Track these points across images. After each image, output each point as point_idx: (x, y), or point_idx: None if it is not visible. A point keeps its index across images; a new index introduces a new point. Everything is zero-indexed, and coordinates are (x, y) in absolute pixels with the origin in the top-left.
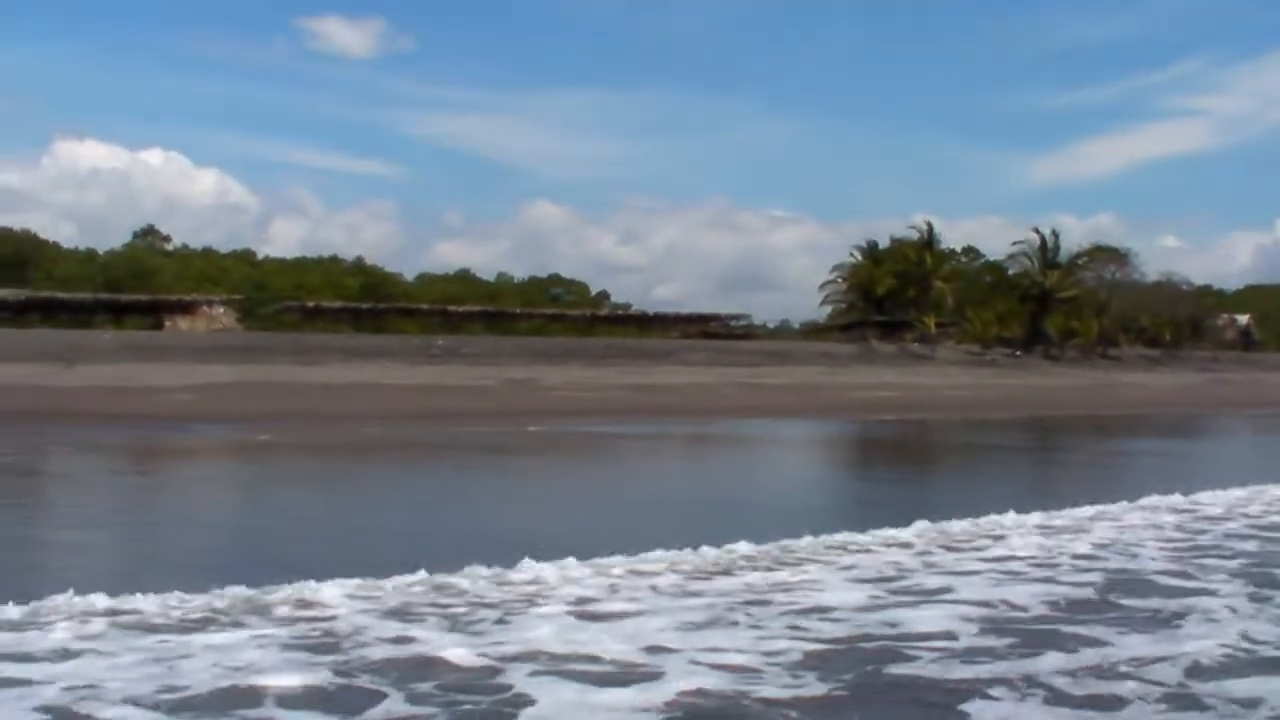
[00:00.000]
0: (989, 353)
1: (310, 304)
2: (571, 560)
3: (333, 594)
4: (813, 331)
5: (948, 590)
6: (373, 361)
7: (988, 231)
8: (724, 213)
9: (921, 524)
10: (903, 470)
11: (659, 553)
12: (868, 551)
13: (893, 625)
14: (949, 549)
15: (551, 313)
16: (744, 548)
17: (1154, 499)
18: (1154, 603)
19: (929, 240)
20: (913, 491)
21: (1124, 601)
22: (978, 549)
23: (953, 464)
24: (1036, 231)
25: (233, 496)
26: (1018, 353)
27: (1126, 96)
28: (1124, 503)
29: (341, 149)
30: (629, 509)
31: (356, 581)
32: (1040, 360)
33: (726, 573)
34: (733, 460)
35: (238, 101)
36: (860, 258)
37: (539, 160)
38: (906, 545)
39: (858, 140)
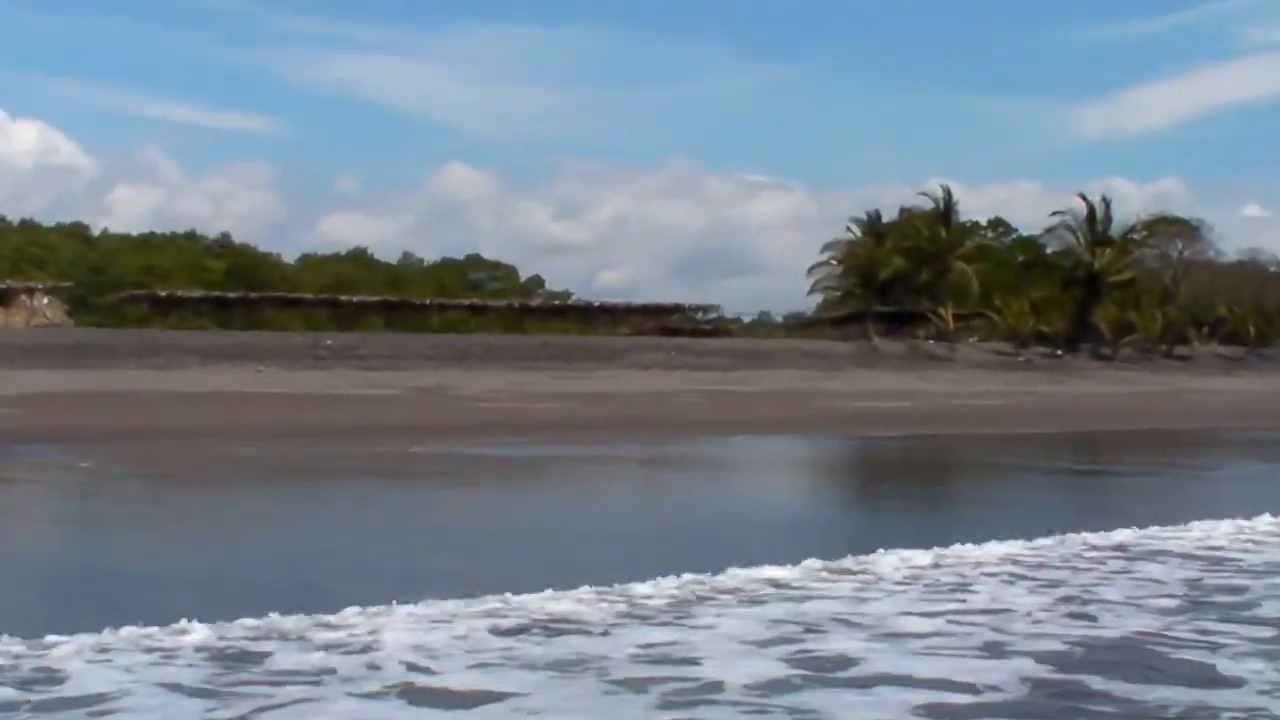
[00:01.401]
0: (1023, 352)
1: (163, 292)
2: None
3: (64, 652)
4: (799, 326)
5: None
6: (242, 365)
7: (1020, 200)
8: (686, 178)
9: (815, 563)
10: (899, 497)
11: (528, 597)
12: (800, 594)
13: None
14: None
15: (470, 303)
16: (643, 589)
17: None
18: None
19: (946, 211)
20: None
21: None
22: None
23: (972, 491)
24: (1082, 199)
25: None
26: (1059, 352)
27: (1194, 28)
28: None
29: (204, 98)
30: (523, 548)
31: (94, 639)
32: (1088, 361)
33: (607, 632)
34: (687, 488)
35: (71, 37)
36: (859, 233)
37: (454, 113)
38: (812, 579)
39: (853, 87)
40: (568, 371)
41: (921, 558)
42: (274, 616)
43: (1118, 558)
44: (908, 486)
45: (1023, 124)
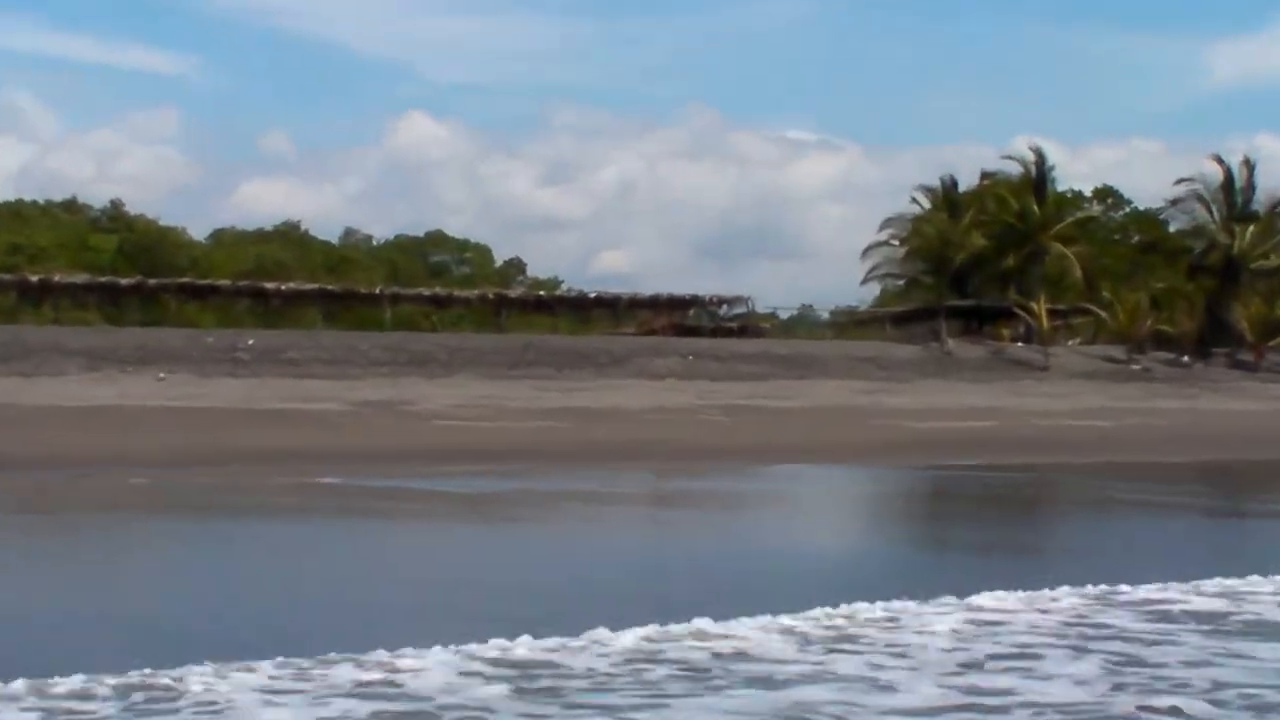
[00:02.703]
0: (1139, 358)
1: (34, 277)
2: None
3: None
4: (851, 325)
5: None
6: (139, 372)
7: (1136, 163)
8: (709, 134)
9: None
10: (978, 549)
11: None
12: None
13: None
14: None
15: (433, 294)
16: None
17: None
18: None
19: (1040, 178)
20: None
21: None
22: None
23: (1084, 540)
24: (1218, 162)
25: None
26: (1185, 358)
27: None
28: None
29: (93, 29)
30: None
31: None
32: (1223, 370)
33: None
34: (703, 536)
35: None
36: (928, 206)
37: (412, 51)
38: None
39: (921, 19)
40: (556, 381)
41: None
42: (105, 675)
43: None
44: (992, 533)
45: (1141, 66)
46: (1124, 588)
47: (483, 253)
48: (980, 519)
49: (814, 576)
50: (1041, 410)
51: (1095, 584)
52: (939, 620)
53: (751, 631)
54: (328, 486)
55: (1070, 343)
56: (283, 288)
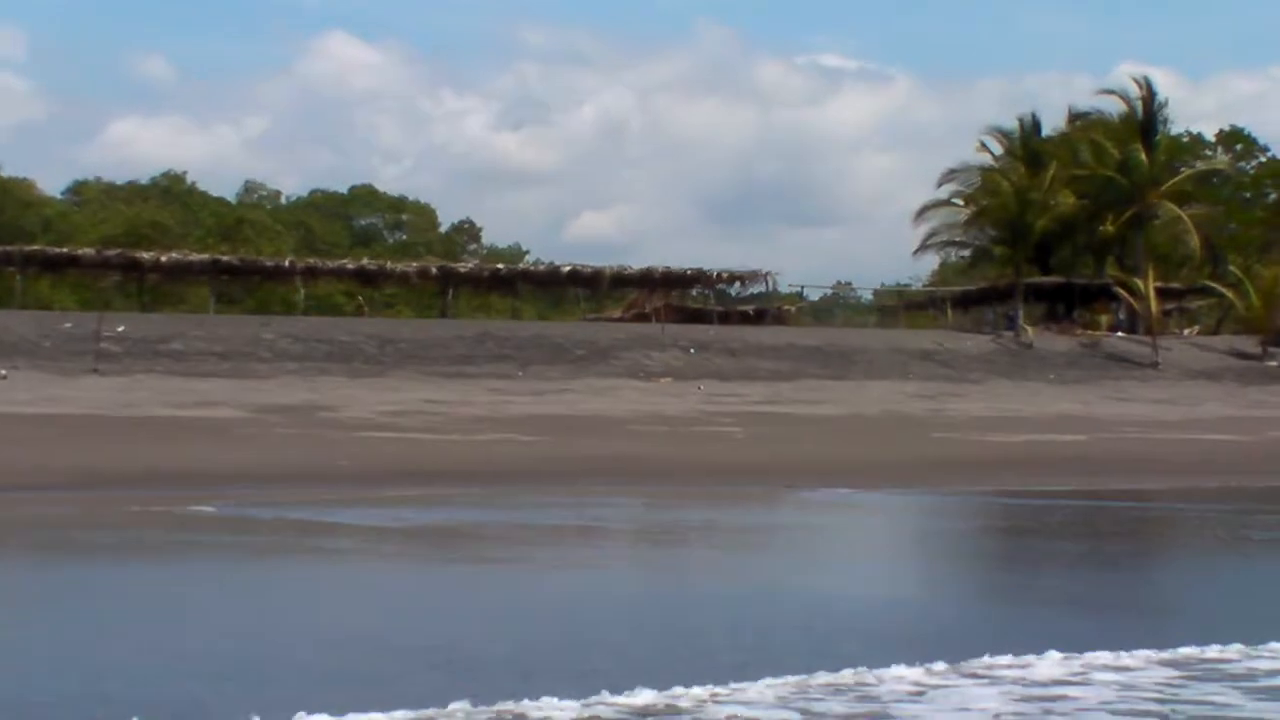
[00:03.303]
0: (1277, 353)
1: None
2: None
3: None
4: (903, 308)
5: None
6: None
7: (1274, 98)
8: (721, 61)
9: None
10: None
11: None
12: None
13: None
14: None
15: (359, 266)
16: None
17: None
18: None
19: (1148, 119)
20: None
21: None
22: None
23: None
24: None
25: None
26: None
27: None
28: None
29: None
30: None
31: None
32: None
33: None
34: (704, 595)
35: None
36: (1001, 154)
37: None
38: None
39: None
40: (520, 382)
41: None
42: None
43: None
44: (1084, 581)
45: None
46: (1256, 651)
47: (424, 214)
48: (1068, 563)
49: (846, 637)
50: (1149, 419)
51: (1208, 645)
52: (988, 692)
53: (759, 697)
54: (219, 518)
55: (1186, 332)
56: (163, 259)
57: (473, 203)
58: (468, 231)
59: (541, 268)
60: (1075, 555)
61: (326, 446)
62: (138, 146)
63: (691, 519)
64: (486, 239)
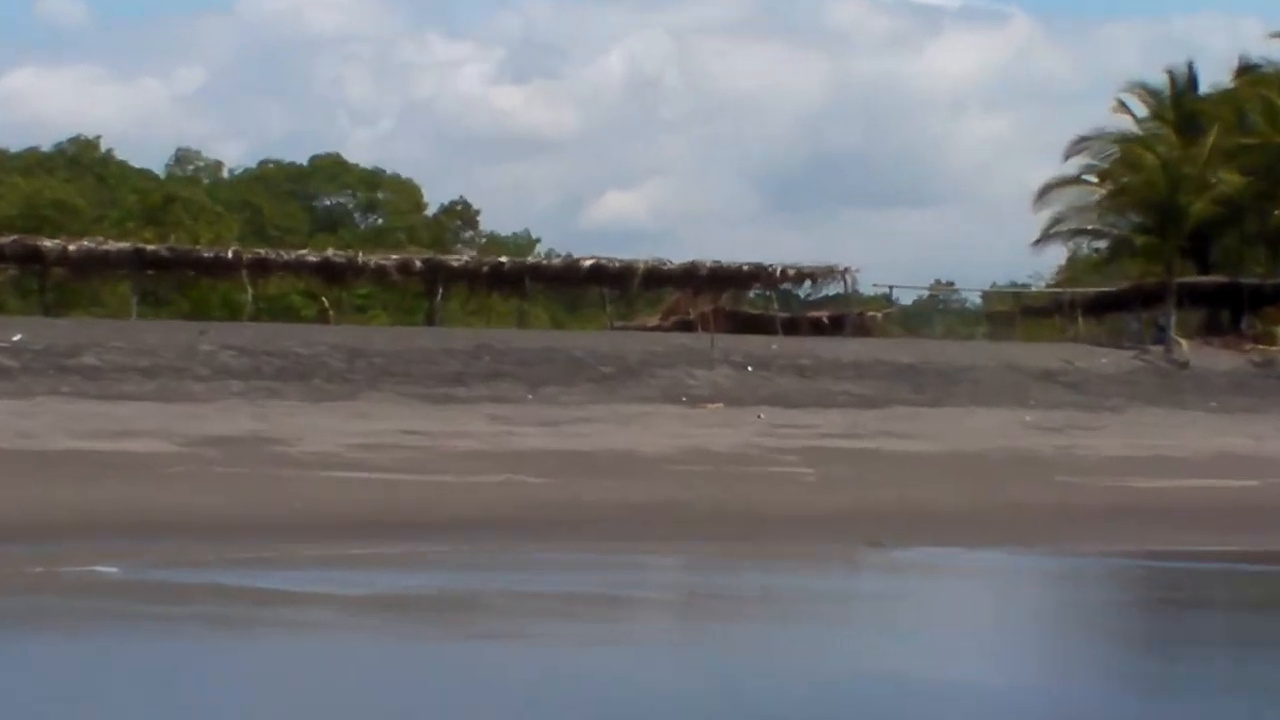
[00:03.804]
0: None
1: None
2: None
3: None
4: (1020, 314)
5: None
6: None
7: None
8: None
9: None
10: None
11: None
12: None
13: None
14: None
15: (323, 259)
16: None
17: None
18: None
19: None
20: None
21: None
22: None
23: None
24: None
25: None
26: None
27: None
28: None
29: None
30: None
31: None
32: None
33: None
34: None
35: None
36: (1145, 115)
37: None
38: None
39: None
40: (528, 407)
41: None
42: None
43: None
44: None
45: None
46: None
47: (406, 191)
48: (1231, 646)
49: None
50: None
51: None
52: None
53: None
54: (122, 584)
55: None
56: (71, 249)
57: (467, 178)
58: (461, 214)
59: (555, 261)
60: (1241, 636)
61: (277, 489)
62: (37, 104)
63: (746, 586)
64: (485, 224)
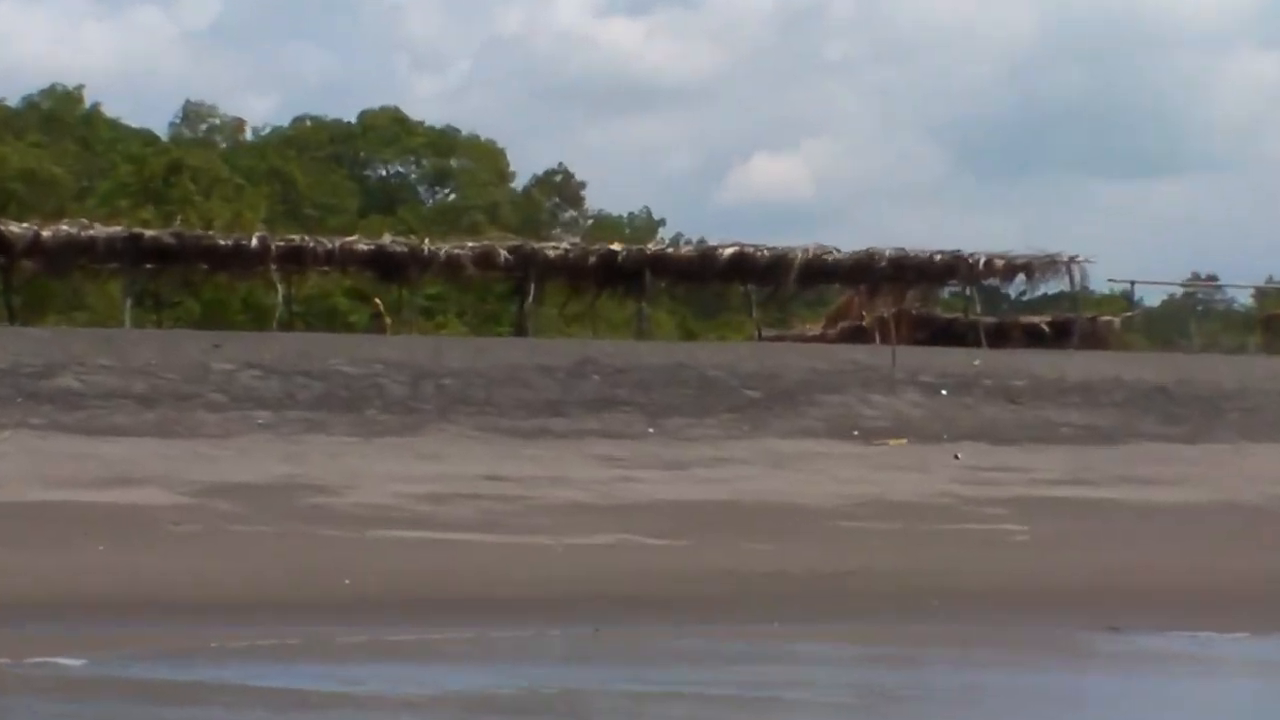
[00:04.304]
0: None
1: None
2: None
3: None
4: None
5: None
6: None
7: None
8: None
9: None
10: None
11: None
12: None
13: None
14: None
15: (374, 249)
16: None
17: None
18: None
19: None
20: None
21: None
22: None
23: None
24: None
25: None
26: None
27: None
28: None
29: None
30: None
31: None
32: None
33: None
34: None
35: None
36: None
37: None
38: None
39: None
40: (648, 443)
41: None
42: None
43: None
44: None
45: None
46: None
47: (487, 159)
48: None
49: None
50: None
51: None
52: None
53: None
54: (105, 683)
55: None
56: (46, 234)
57: (567, 140)
58: (560, 188)
59: (685, 250)
60: None
61: (316, 555)
62: (2, 46)
63: (941, 684)
64: (591, 201)
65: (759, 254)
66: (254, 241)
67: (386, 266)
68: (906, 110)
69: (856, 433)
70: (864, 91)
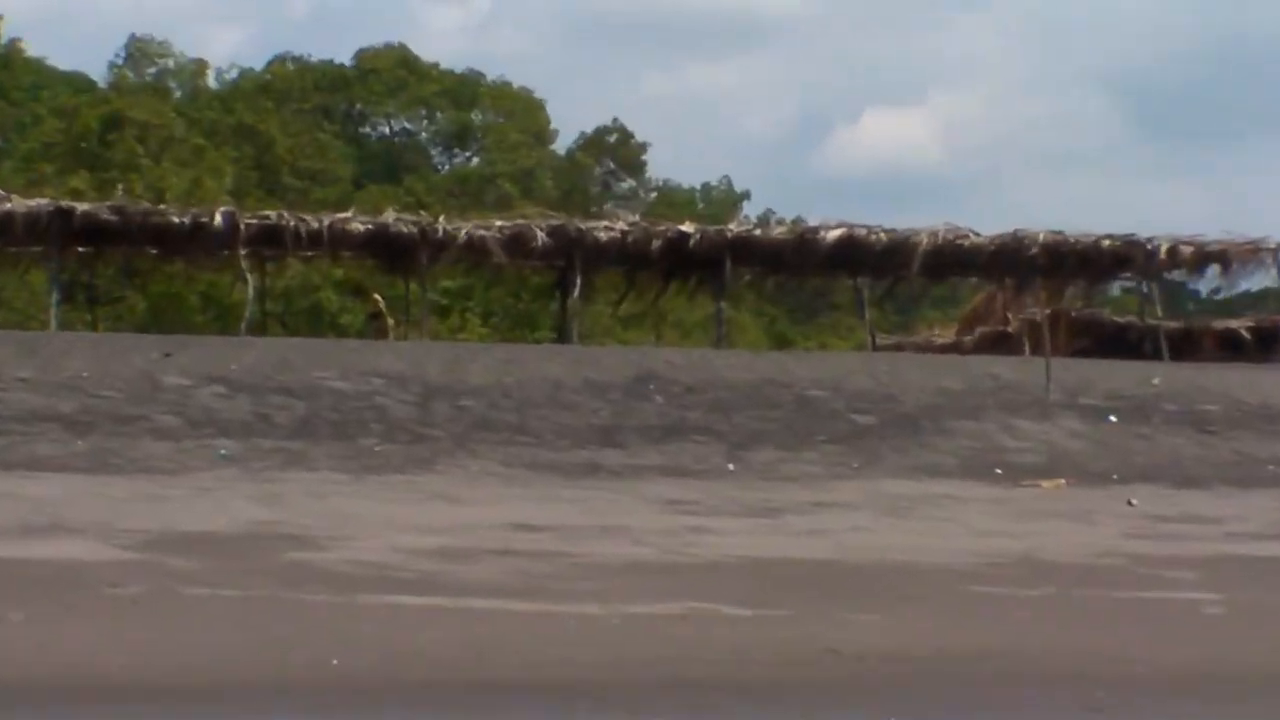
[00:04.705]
0: None
1: None
2: None
3: None
4: None
5: None
6: None
7: None
8: None
9: None
10: None
11: None
12: None
13: None
14: None
15: (374, 227)
16: None
17: None
18: None
19: None
20: None
21: None
22: None
23: None
24: None
25: None
26: None
27: None
28: None
29: None
30: None
31: None
32: None
33: None
34: None
35: None
36: None
37: None
38: None
39: None
40: (726, 482)
41: None
42: None
43: None
44: None
45: None
46: None
47: (522, 111)
48: None
49: None
50: None
51: None
52: None
53: None
54: None
55: None
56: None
57: (624, 90)
58: (615, 150)
59: (777, 232)
60: None
61: (297, 625)
62: None
63: None
64: (654, 168)
65: (872, 237)
66: (217, 219)
67: (389, 252)
68: (1065, 52)
69: (999, 471)
70: (1010, 28)
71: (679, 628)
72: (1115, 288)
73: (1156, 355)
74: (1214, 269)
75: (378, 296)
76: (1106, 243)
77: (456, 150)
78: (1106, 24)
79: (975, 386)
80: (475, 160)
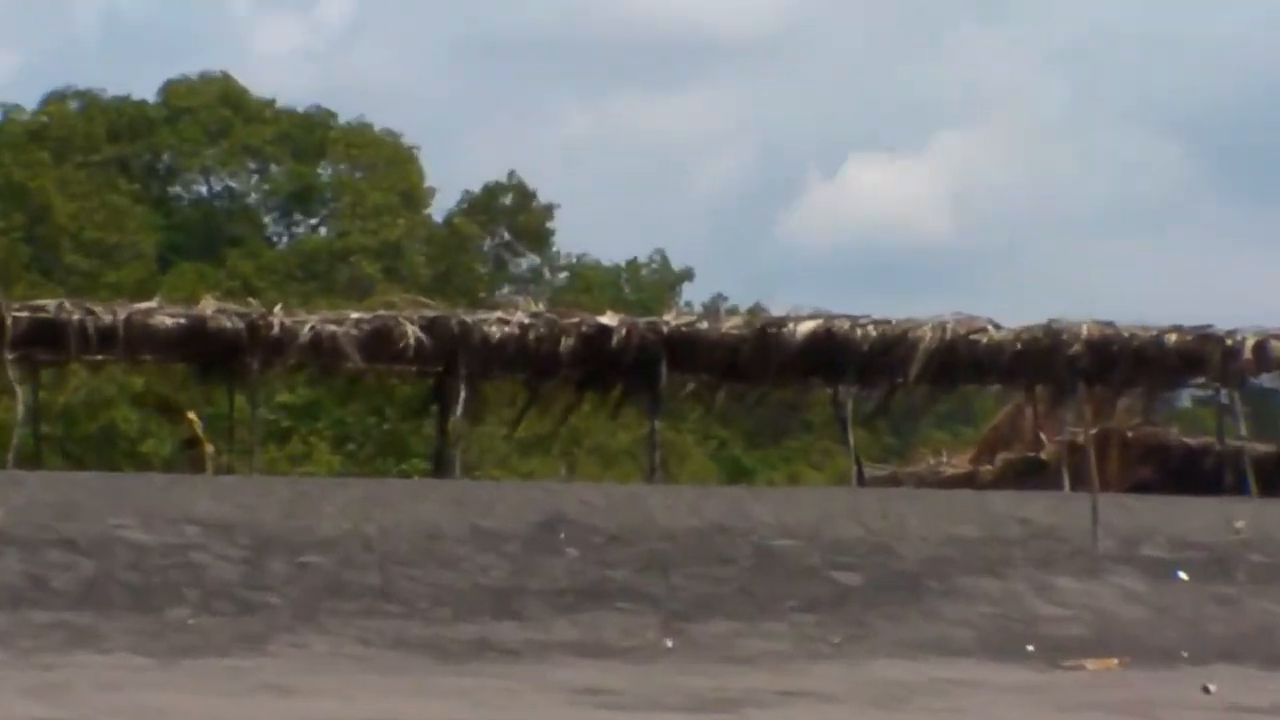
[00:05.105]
0: None
1: None
2: None
3: None
4: None
5: None
6: None
7: None
8: None
9: None
10: None
11: None
12: None
13: None
14: None
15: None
16: None
17: None
18: None
19: None
20: None
21: None
22: None
23: None
24: None
25: None
26: None
27: None
28: None
29: None
30: None
31: None
32: None
33: None
34: None
35: None
36: None
37: None
38: None
39: None
40: (661, 667)
41: None
42: None
43: None
44: None
45: None
46: None
47: (384, 159)
48: None
49: None
50: None
51: None
52: None
53: None
54: None
55: None
56: None
57: (524, 134)
58: (510, 214)
59: (730, 325)
60: None
61: None
62: None
63: None
64: (566, 240)
65: (858, 332)
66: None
67: (208, 355)
68: (1111, 83)
69: (1030, 648)
70: (1036, 51)
71: None
72: (1185, 397)
73: (1241, 489)
74: None
75: (192, 415)
76: (1172, 337)
77: (298, 216)
78: (1167, 45)
79: (998, 533)
80: (323, 230)
